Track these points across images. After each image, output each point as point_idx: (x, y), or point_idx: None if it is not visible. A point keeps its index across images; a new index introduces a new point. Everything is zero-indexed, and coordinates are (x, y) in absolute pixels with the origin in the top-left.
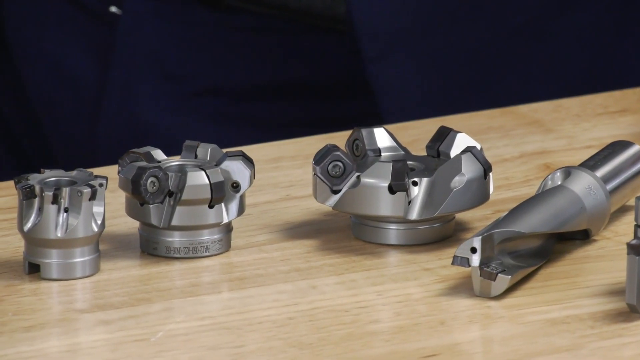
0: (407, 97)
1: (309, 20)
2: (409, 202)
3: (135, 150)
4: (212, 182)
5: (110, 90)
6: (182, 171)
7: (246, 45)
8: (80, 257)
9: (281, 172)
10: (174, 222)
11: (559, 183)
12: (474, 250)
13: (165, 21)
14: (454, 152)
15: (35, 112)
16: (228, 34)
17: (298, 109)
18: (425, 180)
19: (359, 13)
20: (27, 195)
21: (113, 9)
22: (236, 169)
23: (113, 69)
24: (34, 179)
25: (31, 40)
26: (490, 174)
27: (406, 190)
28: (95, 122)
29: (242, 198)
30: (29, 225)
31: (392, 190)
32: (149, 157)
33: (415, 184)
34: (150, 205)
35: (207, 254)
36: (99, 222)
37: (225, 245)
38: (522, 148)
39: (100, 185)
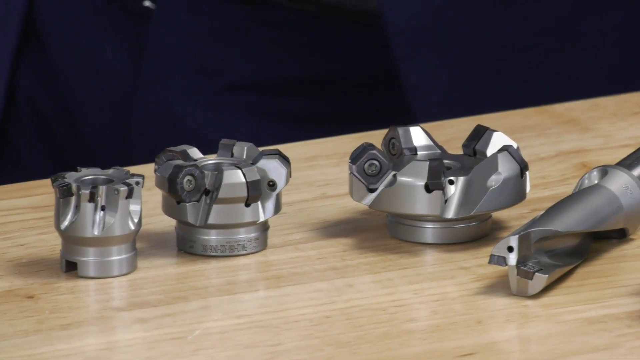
0: (436, 95)
1: (341, 14)
2: (446, 201)
3: (172, 148)
4: (248, 180)
5: (143, 85)
6: (218, 169)
7: (278, 40)
8: (117, 255)
9: (317, 170)
10: (211, 221)
11: (596, 182)
12: (510, 249)
13: (197, 15)
14: (490, 150)
15: (71, 106)
16: (260, 28)
17: (328, 104)
18: (461, 179)
19: (389, 10)
20: (64, 193)
21: (147, 3)
22: (272, 168)
23: (146, 63)
24: (70, 177)
25: (65, 35)
26: (527, 172)
27: (442, 189)
28: (129, 116)
29: (278, 196)
30: (65, 223)
31: (428, 189)
32: (185, 156)
33: (451, 182)
34: (187, 204)
35: (244, 252)
36: (136, 220)
37: (262, 243)
38: (558, 147)
39: (137, 183)
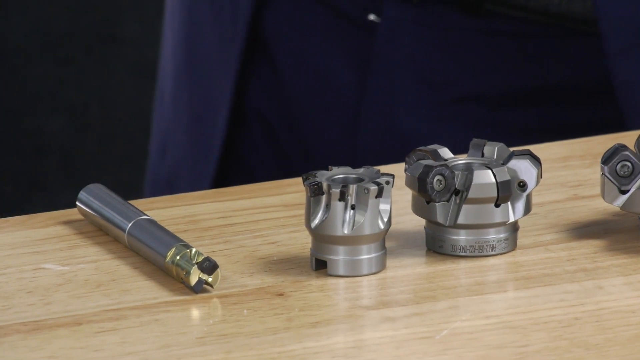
0: None
1: (569, 24)
2: None
3: (422, 148)
4: (498, 180)
5: (369, 98)
6: (468, 169)
7: (505, 51)
8: (367, 254)
9: (569, 171)
10: (460, 221)
11: None
12: None
13: (424, 28)
14: None
15: (298, 119)
16: (487, 39)
17: (553, 115)
18: None
19: (604, 4)
20: (315, 192)
21: (372, 16)
22: (523, 168)
23: (372, 76)
24: (321, 175)
25: (293, 49)
26: None
27: None
28: (355, 129)
29: (528, 197)
30: (316, 221)
31: None
32: (436, 155)
33: None
34: (436, 204)
35: (493, 252)
36: (385, 219)
37: (511, 244)
38: None
39: (387, 182)
